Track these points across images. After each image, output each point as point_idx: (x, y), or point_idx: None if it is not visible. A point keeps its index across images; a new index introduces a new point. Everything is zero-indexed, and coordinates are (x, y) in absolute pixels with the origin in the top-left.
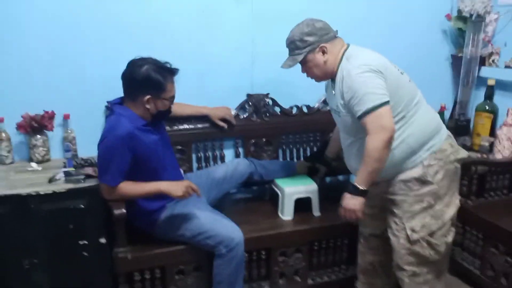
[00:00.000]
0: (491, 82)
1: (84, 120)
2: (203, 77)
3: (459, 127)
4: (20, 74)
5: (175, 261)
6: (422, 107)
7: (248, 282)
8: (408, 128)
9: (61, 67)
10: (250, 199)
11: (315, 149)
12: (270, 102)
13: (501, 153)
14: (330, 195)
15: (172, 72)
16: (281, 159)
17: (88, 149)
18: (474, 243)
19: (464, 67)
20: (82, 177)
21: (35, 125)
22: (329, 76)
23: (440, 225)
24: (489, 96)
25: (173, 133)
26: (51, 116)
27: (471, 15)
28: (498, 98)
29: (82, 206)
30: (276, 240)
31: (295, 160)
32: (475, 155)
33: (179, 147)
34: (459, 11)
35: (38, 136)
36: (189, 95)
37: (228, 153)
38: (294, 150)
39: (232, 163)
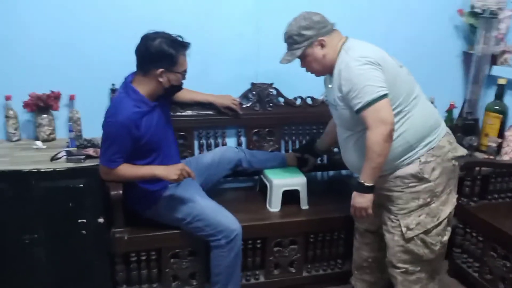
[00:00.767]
0: (502, 81)
1: (90, 101)
2: (207, 64)
3: (466, 126)
4: (29, 54)
5: (171, 244)
6: (420, 102)
7: (243, 270)
8: (406, 122)
9: (68, 49)
10: (240, 189)
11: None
12: (274, 92)
13: (508, 155)
14: (321, 189)
15: (184, 45)
16: (283, 150)
17: (93, 130)
18: (474, 245)
19: (474, 65)
20: (83, 157)
21: (41, 104)
22: (328, 70)
23: (435, 224)
24: (499, 95)
25: (176, 119)
26: (56, 96)
27: (483, 11)
28: (509, 98)
29: (81, 186)
30: (263, 231)
31: None
32: (481, 156)
33: (182, 133)
34: (472, 7)
35: (44, 115)
36: (193, 83)
37: (230, 142)
38: (297, 142)
39: (220, 149)
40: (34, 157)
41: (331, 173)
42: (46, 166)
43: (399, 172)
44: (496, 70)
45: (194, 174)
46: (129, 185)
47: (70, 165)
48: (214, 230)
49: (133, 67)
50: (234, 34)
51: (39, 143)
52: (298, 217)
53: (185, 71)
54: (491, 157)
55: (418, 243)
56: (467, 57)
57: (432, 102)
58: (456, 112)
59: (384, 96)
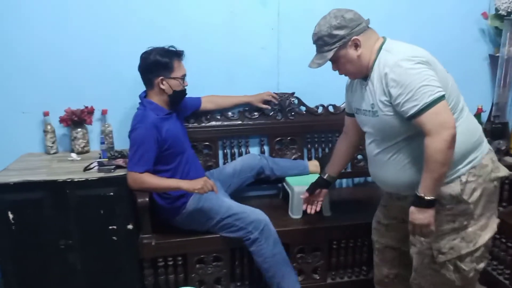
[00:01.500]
0: None
1: (121, 115)
2: (232, 75)
3: (495, 130)
4: (64, 73)
5: (196, 250)
6: (465, 114)
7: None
8: None
9: (101, 67)
10: (264, 196)
11: None
12: (296, 101)
13: None
14: (344, 196)
15: (177, 53)
16: (306, 158)
17: (124, 142)
18: (504, 251)
19: (500, 68)
20: (113, 167)
21: (76, 119)
22: (364, 71)
23: (471, 250)
24: None
25: (201, 130)
26: (90, 111)
27: (508, 13)
28: None
29: (112, 194)
30: (285, 237)
31: None
32: (511, 160)
33: (207, 143)
34: (496, 9)
35: (79, 129)
36: (220, 91)
37: (254, 151)
38: (320, 150)
39: (243, 157)
40: (69, 168)
41: (355, 180)
42: (80, 176)
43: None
44: None
45: (216, 188)
46: (156, 195)
47: (101, 174)
48: (244, 223)
49: None
50: (257, 48)
51: (74, 155)
52: (320, 224)
53: (183, 75)
54: None
55: (450, 267)
56: (493, 60)
57: None
58: (484, 116)
59: (443, 97)
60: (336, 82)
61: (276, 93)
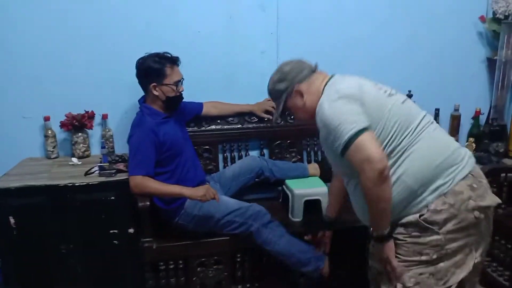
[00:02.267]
0: None
1: (121, 120)
2: (231, 80)
3: (493, 132)
4: (65, 78)
5: (196, 253)
6: (425, 135)
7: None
8: (405, 162)
9: (101, 73)
10: (264, 199)
11: None
12: None
13: None
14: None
15: (170, 59)
16: (305, 162)
17: (124, 147)
18: (503, 253)
19: (498, 70)
20: (114, 171)
21: (76, 124)
22: (314, 115)
23: None
24: None
25: (201, 134)
26: (90, 116)
27: (505, 17)
28: None
29: (113, 198)
30: None
31: None
32: (509, 162)
33: (207, 147)
34: (494, 13)
35: (79, 133)
36: (218, 96)
37: (253, 154)
38: (319, 153)
39: (242, 159)
40: (70, 173)
41: None
42: (81, 180)
43: (402, 220)
44: None
45: (218, 196)
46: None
47: (102, 179)
48: (243, 218)
49: None
50: (256, 52)
51: (75, 160)
52: (320, 226)
53: (177, 82)
54: None
55: None
56: (491, 63)
57: (457, 110)
58: (482, 119)
59: (363, 130)
60: None
61: None
